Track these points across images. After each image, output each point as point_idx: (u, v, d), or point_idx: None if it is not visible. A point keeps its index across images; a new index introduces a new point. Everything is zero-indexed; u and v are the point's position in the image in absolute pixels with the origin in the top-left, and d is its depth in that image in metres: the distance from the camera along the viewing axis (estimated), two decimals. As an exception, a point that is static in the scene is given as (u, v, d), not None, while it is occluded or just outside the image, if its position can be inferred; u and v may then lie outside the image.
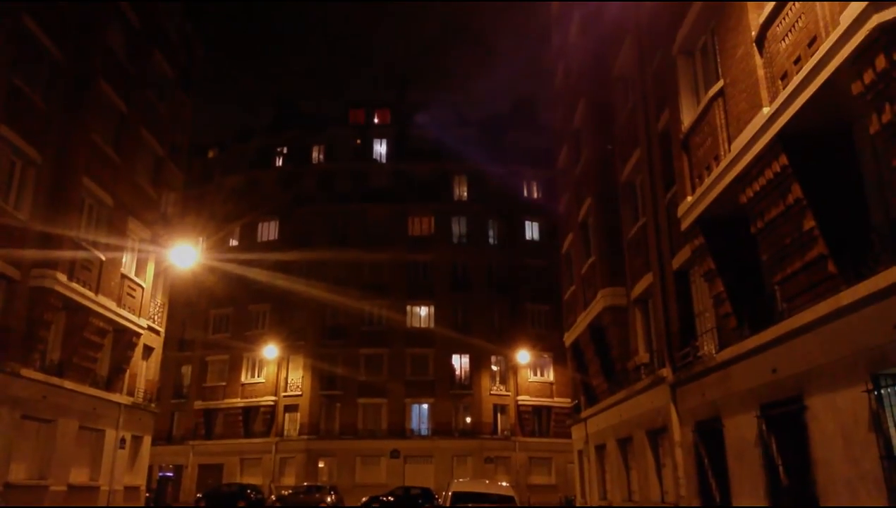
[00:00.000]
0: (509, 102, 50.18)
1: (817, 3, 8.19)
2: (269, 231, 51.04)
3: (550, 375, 46.13)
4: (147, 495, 26.80)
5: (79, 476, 21.05)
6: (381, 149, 52.68)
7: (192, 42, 30.68)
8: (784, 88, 8.76)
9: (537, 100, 54.32)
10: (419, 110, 52.86)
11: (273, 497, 38.19)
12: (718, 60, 11.46)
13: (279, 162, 53.37)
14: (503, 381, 46.30)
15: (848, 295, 8.09)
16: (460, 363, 46.54)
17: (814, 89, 8.02)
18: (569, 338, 25.35)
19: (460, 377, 46.24)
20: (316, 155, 53.12)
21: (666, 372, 15.22)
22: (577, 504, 26.92)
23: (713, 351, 12.64)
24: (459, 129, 52.03)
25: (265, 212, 50.80)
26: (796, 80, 8.36)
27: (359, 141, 52.55)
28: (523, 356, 41.76)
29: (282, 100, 56.83)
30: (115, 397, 23.14)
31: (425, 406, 45.61)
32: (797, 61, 8.57)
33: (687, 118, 12.81)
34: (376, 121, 54.36)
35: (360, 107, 54.84)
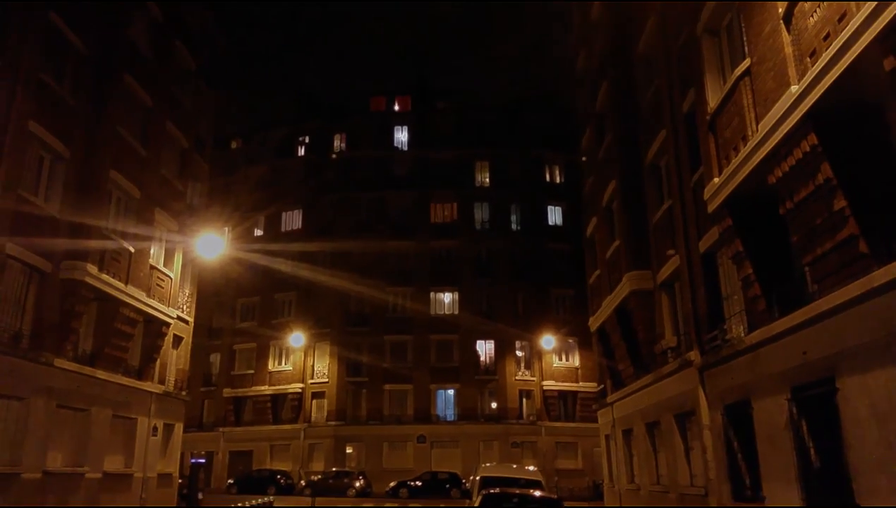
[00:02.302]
0: (530, 86, 49.72)
1: (847, -22, 8.01)
2: (292, 220, 51.43)
3: (576, 360, 46.02)
4: (180, 481, 27.28)
5: (113, 463, 21.51)
6: (402, 136, 52.66)
7: (213, 34, 30.84)
8: (813, 66, 8.59)
9: (558, 83, 53.89)
10: (440, 96, 52.70)
11: (303, 482, 38.74)
12: (745, 39, 11.25)
13: (301, 151, 53.65)
14: (528, 366, 46.30)
15: (880, 275, 7.97)
16: (485, 349, 46.62)
17: (844, 66, 7.84)
18: (594, 323, 25.26)
19: (485, 362, 46.34)
20: (338, 143, 53.27)
21: (694, 355, 15.12)
22: (605, 488, 26.92)
23: (742, 334, 12.52)
24: (480, 114, 51.82)
25: (289, 202, 51.19)
26: (826, 56, 8.18)
27: (380, 128, 52.58)
28: (548, 341, 41.69)
29: (303, 89, 57.06)
30: (147, 385, 23.56)
31: (451, 391, 45.81)
32: (826, 38, 8.40)
33: (713, 98, 12.63)
34: (397, 108, 54.31)
35: (380, 94, 54.81)
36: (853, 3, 7.83)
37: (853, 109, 8.50)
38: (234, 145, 56.07)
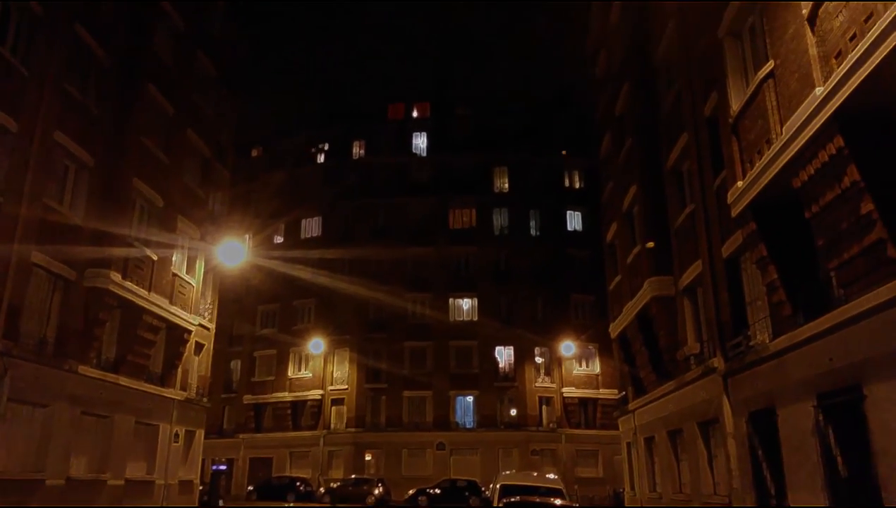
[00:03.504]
0: (550, 91, 49.66)
1: (873, -23, 7.88)
2: (312, 227, 51.70)
3: (596, 366, 45.70)
4: (200, 488, 27.42)
5: (135, 470, 21.68)
6: (420, 142, 52.79)
7: (234, 42, 31.13)
8: (839, 67, 8.45)
9: (577, 88, 53.75)
10: (458, 102, 52.79)
11: (322, 489, 38.77)
12: (767, 41, 11.12)
13: (321, 158, 53.99)
14: (548, 373, 46.07)
15: (910, 280, 7.81)
16: (504, 355, 46.48)
17: (871, 67, 7.70)
18: (615, 329, 25.05)
19: (504, 369, 46.18)
20: (357, 150, 53.52)
21: (717, 361, 14.93)
22: (626, 497, 26.65)
23: (766, 340, 12.34)
24: (499, 120, 51.81)
25: (308, 209, 51.49)
26: (852, 57, 8.04)
27: (398, 135, 52.76)
28: (568, 347, 41.45)
29: (322, 96, 57.41)
30: (169, 392, 23.73)
31: (470, 398, 45.69)
32: (853, 38, 8.26)
33: (736, 101, 12.48)
34: (415, 114, 54.49)
35: (399, 101, 55.03)
36: (880, 4, 7.70)
37: (880, 111, 8.35)
38: (254, 153, 56.54)
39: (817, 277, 10.87)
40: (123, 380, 20.64)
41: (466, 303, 47.70)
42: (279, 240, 52.18)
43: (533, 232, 49.51)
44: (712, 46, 13.94)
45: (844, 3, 8.53)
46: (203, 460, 27.64)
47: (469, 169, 50.26)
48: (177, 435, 24.15)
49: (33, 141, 16.72)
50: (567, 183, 51.10)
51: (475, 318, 46.85)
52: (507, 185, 50.81)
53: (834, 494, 10.06)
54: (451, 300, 47.53)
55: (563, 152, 50.06)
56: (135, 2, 21.67)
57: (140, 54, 21.56)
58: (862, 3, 8.09)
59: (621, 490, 31.16)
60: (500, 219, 49.72)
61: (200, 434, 26.72)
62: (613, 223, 25.00)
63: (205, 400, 27.09)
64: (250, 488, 40.26)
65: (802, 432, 10.86)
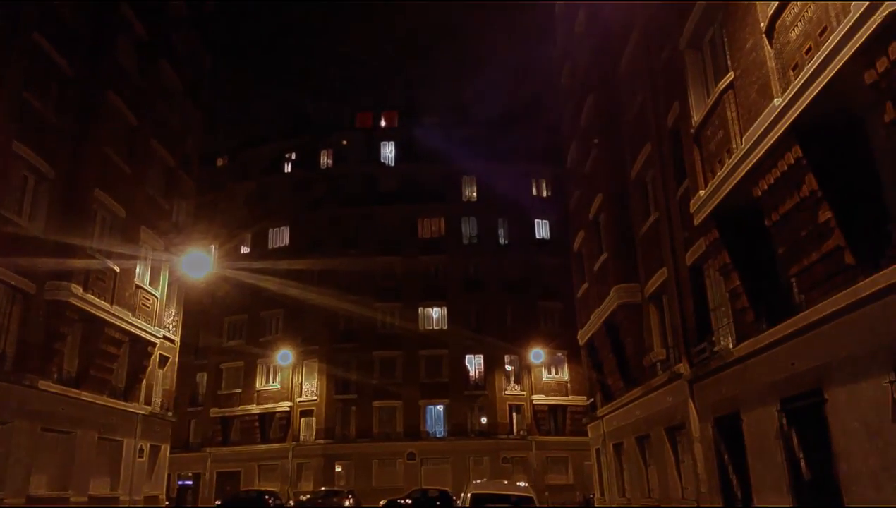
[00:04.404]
0: (516, 101, 50.11)
1: (827, -8, 8.11)
2: (280, 237, 51.20)
3: (565, 373, 45.97)
4: (166, 504, 26.90)
5: (99, 487, 21.16)
6: (389, 152, 52.75)
7: (199, 52, 30.81)
8: (796, 79, 8.68)
9: (544, 98, 54.21)
10: (426, 112, 52.92)
11: (291, 502, 38.28)
12: (727, 52, 11.38)
13: (288, 168, 53.57)
14: (518, 381, 46.21)
15: (866, 286, 8.02)
16: (474, 363, 46.50)
17: (826, 79, 7.93)
18: (583, 336, 25.27)
19: (475, 377, 46.20)
20: (325, 159, 53.23)
21: (683, 367, 15.14)
22: (596, 502, 26.80)
23: (730, 346, 12.55)
24: (467, 130, 52.01)
25: (276, 219, 51.00)
26: (808, 70, 8.27)
27: (367, 144, 52.64)
28: (537, 355, 41.65)
29: (290, 106, 57.07)
30: (133, 407, 23.26)
31: (440, 407, 45.59)
32: (808, 51, 8.50)
33: (697, 112, 12.73)
34: (383, 124, 54.45)
35: (367, 110, 54.94)
36: (833, 18, 7.94)
37: (837, 121, 8.59)
38: (220, 162, 55.86)
39: (779, 284, 11.10)
40: (86, 395, 20.17)
41: (436, 312, 47.66)
42: (246, 250, 51.55)
43: (502, 240, 49.73)
44: (674, 58, 14.21)
45: (800, 16, 8.77)
46: (169, 475, 27.12)
47: (437, 178, 50.33)
48: (141, 450, 23.67)
49: (-9, 151, 16.32)
50: (535, 191, 51.45)
51: (445, 327, 46.82)
52: (475, 194, 51.00)
53: (798, 496, 10.25)
54: (420, 309, 47.44)
55: (531, 161, 50.34)
56: (96, 10, 21.32)
57: (101, 64, 21.20)
58: (817, 17, 8.33)
59: (591, 495, 31.34)
60: (468, 228, 49.85)
61: (166, 448, 26.21)
62: (580, 231, 25.25)
63: (170, 413, 26.60)
64: (218, 502, 39.53)
65: (767, 436, 11.06)
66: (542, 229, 50.19)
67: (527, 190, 51.00)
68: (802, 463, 10.20)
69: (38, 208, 18.50)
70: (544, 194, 51.38)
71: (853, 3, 7.39)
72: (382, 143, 52.91)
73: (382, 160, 52.47)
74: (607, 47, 21.65)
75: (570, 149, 27.18)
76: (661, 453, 17.27)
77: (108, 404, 21.49)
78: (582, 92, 23.87)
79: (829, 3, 8.06)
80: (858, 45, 7.31)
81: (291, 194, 51.50)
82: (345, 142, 51.96)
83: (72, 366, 20.23)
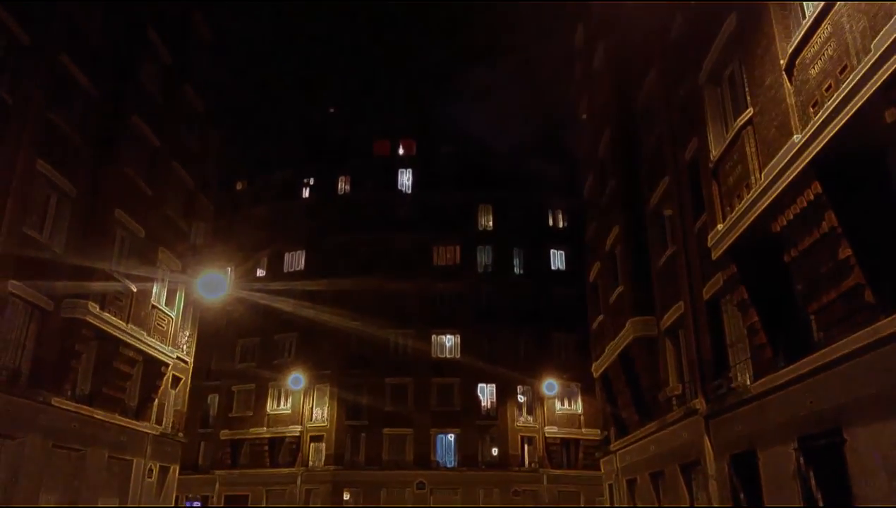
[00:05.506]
0: (535, 131, 50.44)
1: (847, 31, 8.15)
2: (295, 261, 51.48)
3: (579, 406, 45.49)
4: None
5: (107, 505, 21.09)
6: (405, 179, 53.09)
7: (221, 76, 31.34)
8: (815, 116, 8.68)
9: (563, 128, 54.48)
10: (443, 140, 53.30)
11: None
12: (747, 88, 11.41)
13: (305, 193, 54.05)
14: (530, 412, 45.76)
15: (886, 325, 7.92)
16: (486, 393, 46.14)
17: (846, 117, 7.92)
18: (597, 369, 25.04)
19: (486, 407, 45.81)
20: (342, 185, 53.68)
21: (699, 403, 14.95)
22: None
23: (747, 382, 12.40)
24: (484, 159, 52.31)
25: (291, 243, 51.32)
26: (828, 108, 8.27)
27: (384, 171, 53.06)
28: (550, 386, 41.29)
29: (308, 131, 57.72)
30: (144, 426, 23.26)
31: (451, 436, 45.18)
32: (828, 89, 8.51)
33: (716, 147, 12.74)
34: (401, 151, 54.86)
35: (384, 137, 55.44)
36: (854, 57, 7.95)
37: (857, 158, 8.56)
38: (238, 186, 56.48)
39: (797, 320, 10.99)
40: (98, 413, 20.22)
41: (449, 340, 47.51)
42: (261, 273, 51.83)
43: (517, 270, 49.65)
44: (693, 93, 14.26)
45: (819, 54, 8.79)
46: (177, 496, 26.99)
47: (454, 206, 50.51)
48: (151, 471, 23.62)
49: (15, 169, 16.60)
50: (551, 222, 51.48)
51: (458, 355, 46.59)
52: (491, 223, 51.09)
53: (815, 539, 10.03)
54: (433, 336, 47.29)
55: (548, 192, 50.45)
56: (122, 34, 21.81)
57: (126, 86, 21.61)
58: (837, 55, 8.35)
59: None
60: (483, 257, 49.85)
61: (175, 469, 26.13)
62: (596, 263, 25.17)
63: (180, 434, 26.57)
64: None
65: (783, 475, 10.86)
66: (557, 260, 50.09)
67: (543, 220, 51.05)
68: (819, 504, 9.99)
69: (60, 226, 18.74)
70: (560, 225, 51.38)
71: (873, 42, 7.41)
72: (400, 170, 53.27)
73: (399, 187, 52.79)
74: (626, 80, 21.78)
75: (588, 180, 27.23)
76: (676, 490, 16.99)
77: (119, 423, 21.50)
78: (600, 124, 23.97)
79: (850, 42, 8.08)
80: (879, 83, 7.30)
81: (308, 219, 51.86)
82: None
83: (85, 384, 20.30)
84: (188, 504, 30.32)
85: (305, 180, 54.33)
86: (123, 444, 21.84)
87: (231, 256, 49.80)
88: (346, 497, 43.66)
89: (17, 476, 16.76)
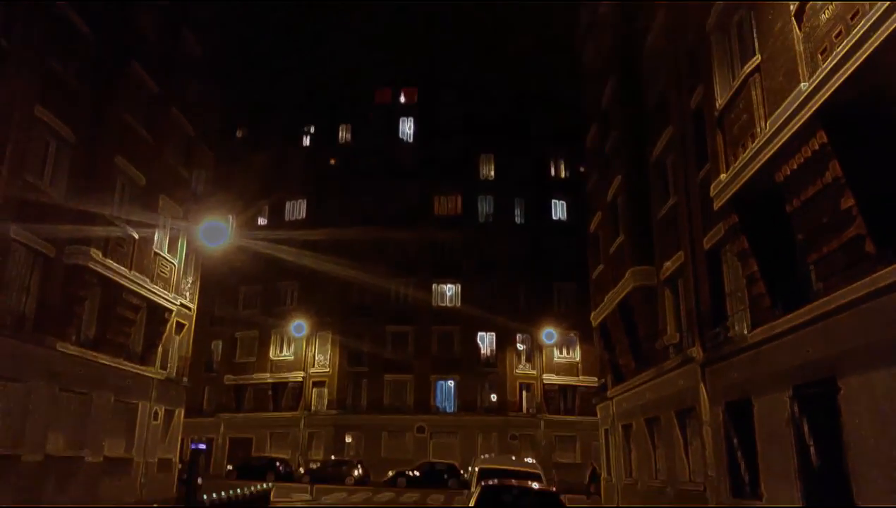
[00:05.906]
0: (537, 79, 49.61)
1: (860, -25, 7.95)
2: (296, 209, 51.48)
3: (577, 354, 46.07)
4: (179, 467, 27.36)
5: (114, 448, 21.59)
6: (407, 128, 52.59)
7: (221, 21, 30.72)
8: (824, 63, 8.54)
9: (566, 77, 53.62)
10: (446, 89, 52.54)
11: (301, 469, 38.91)
12: (755, 35, 11.19)
13: (307, 141, 53.64)
14: (529, 359, 46.38)
15: (885, 275, 7.96)
16: (486, 341, 46.69)
17: (856, 64, 7.79)
18: (596, 318, 25.27)
19: (486, 355, 46.41)
20: (343, 134, 53.23)
21: (696, 351, 15.13)
22: (602, 483, 26.99)
23: (744, 331, 12.52)
24: (486, 108, 51.65)
25: (293, 191, 51.22)
26: (838, 54, 8.12)
27: (385, 120, 52.49)
28: (549, 334, 41.75)
29: (309, 78, 56.76)
30: (149, 371, 23.62)
31: (451, 383, 45.90)
32: (838, 35, 8.34)
33: (721, 95, 12.57)
34: (402, 100, 54.13)
35: (386, 86, 54.60)
36: (867, 2, 7.78)
37: (863, 108, 8.45)
38: (239, 134, 55.92)
39: (797, 271, 11.03)
40: (103, 358, 20.51)
41: (450, 289, 47.80)
42: (263, 221, 51.88)
43: (518, 219, 49.61)
44: (700, 40, 14.00)
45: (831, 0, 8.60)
46: (182, 439, 27.55)
47: (455, 155, 50.13)
48: (156, 414, 24.08)
49: (13, 115, 16.45)
50: (553, 172, 51.20)
51: (458, 304, 46.96)
52: (492, 173, 50.80)
53: (806, 484, 10.27)
54: (434, 285, 47.60)
55: (550, 142, 50.04)
56: (120, -24, 21.31)
57: (125, 31, 21.24)
58: (848, 1, 8.17)
59: (599, 471, 31.52)
60: (485, 207, 49.77)
61: (180, 413, 26.64)
62: (597, 213, 25.14)
63: (185, 379, 27.00)
64: (230, 467, 40.30)
65: (777, 422, 11.07)
66: (558, 210, 50.01)
67: (544, 170, 50.77)
68: (812, 451, 10.20)
69: (60, 173, 18.66)
70: (562, 175, 51.11)
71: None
72: (401, 119, 52.71)
73: (401, 136, 52.34)
74: (631, 29, 21.39)
75: (591, 130, 26.97)
76: (670, 435, 17.34)
77: (124, 367, 21.84)
78: (604, 73, 23.62)
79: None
80: (891, 30, 7.16)
81: (309, 167, 51.60)
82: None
83: (90, 330, 20.54)
84: (193, 446, 30.94)
85: (306, 128, 53.85)
86: (129, 388, 22.21)
87: (232, 204, 49.62)
88: (348, 440, 44.61)
89: (26, 419, 17.11)
